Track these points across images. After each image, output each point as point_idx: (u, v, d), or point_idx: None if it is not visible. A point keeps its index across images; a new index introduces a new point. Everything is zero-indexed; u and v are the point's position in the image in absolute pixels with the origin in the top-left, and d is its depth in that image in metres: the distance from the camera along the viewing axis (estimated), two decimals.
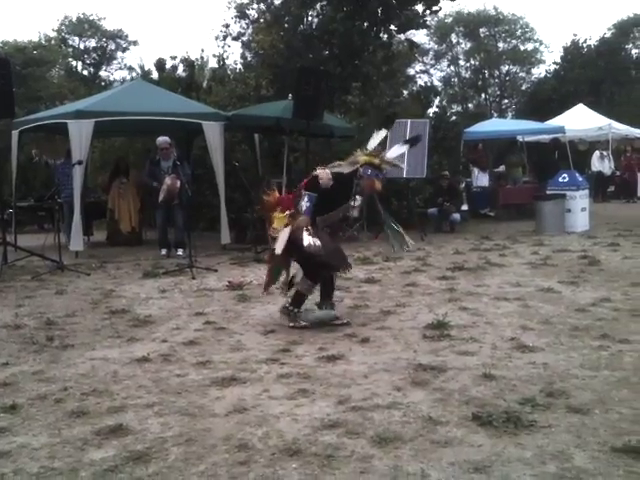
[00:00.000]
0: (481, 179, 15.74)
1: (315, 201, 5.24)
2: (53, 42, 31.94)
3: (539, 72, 35.58)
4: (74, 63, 34.79)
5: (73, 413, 3.55)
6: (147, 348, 4.82)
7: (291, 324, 5.36)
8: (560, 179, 11.95)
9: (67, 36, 34.53)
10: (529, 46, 37.37)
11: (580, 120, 19.14)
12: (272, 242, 5.60)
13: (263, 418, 3.43)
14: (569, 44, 30.42)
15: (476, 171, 15.88)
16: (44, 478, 2.85)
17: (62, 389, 3.97)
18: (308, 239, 5.12)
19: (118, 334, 5.29)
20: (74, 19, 34.28)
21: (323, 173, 5.24)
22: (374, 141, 5.52)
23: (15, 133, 11.13)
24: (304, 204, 5.25)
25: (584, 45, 29.90)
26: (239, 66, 18.66)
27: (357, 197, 5.35)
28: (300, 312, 5.42)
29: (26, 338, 5.18)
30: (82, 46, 35.24)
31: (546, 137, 17.16)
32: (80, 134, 9.60)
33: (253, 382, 4.02)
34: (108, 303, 6.51)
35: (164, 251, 10.01)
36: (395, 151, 5.67)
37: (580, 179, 12.23)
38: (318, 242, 5.12)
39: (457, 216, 12.36)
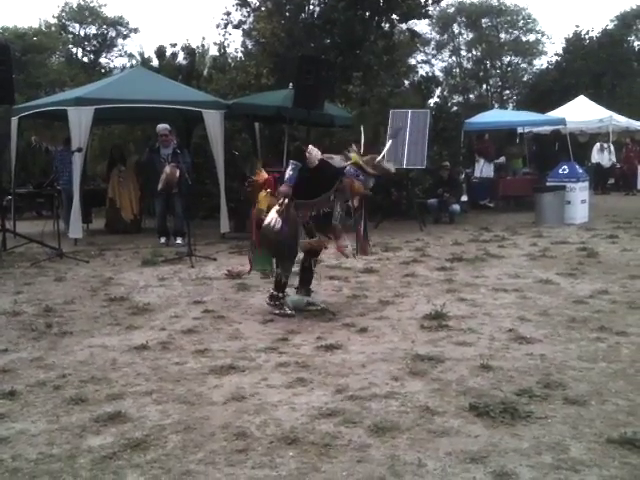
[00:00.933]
0: (486, 170, 15.66)
1: (298, 173, 5.20)
2: (53, 29, 31.77)
3: (541, 63, 35.52)
4: (74, 50, 34.61)
5: (72, 400, 3.56)
6: (146, 336, 4.83)
7: (276, 311, 5.43)
8: (560, 171, 11.93)
9: (67, 23, 34.32)
10: (531, 37, 37.29)
11: (581, 112, 19.10)
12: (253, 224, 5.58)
13: (261, 406, 3.44)
14: (571, 35, 30.33)
15: (482, 161, 15.80)
16: (42, 464, 2.86)
17: (61, 376, 3.98)
18: (271, 217, 5.16)
19: (117, 322, 5.30)
20: (74, 6, 34.10)
21: (314, 149, 5.27)
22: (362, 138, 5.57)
23: (15, 120, 11.10)
24: (287, 172, 5.25)
25: (586, 37, 29.78)
26: (240, 54, 18.61)
27: (334, 193, 5.35)
28: (285, 296, 5.51)
29: (25, 325, 5.19)
30: (82, 33, 35.07)
31: (547, 128, 17.13)
32: (80, 121, 9.58)
33: (251, 371, 4.03)
34: (107, 291, 6.51)
35: (163, 239, 10.01)
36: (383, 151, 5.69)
37: (580, 171, 12.21)
38: (279, 225, 5.14)
39: (457, 207, 12.35)
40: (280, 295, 5.49)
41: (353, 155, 5.36)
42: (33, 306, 5.86)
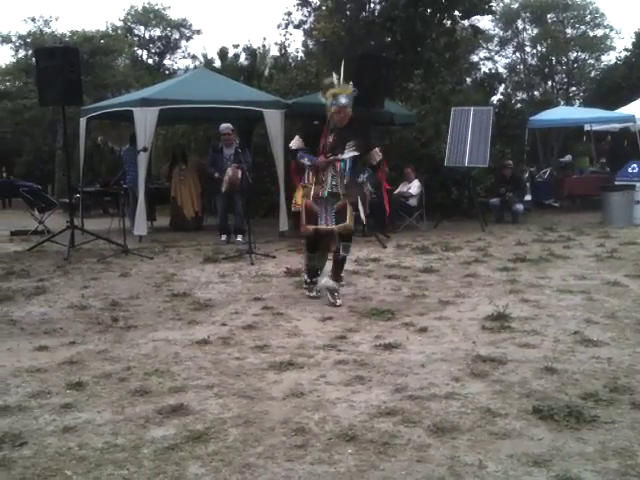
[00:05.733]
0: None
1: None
2: (119, 31, 32.58)
3: (609, 59, 34.29)
4: (139, 52, 35.46)
5: (136, 392, 3.65)
6: (207, 331, 4.91)
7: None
8: (629, 169, 11.55)
9: (133, 25, 35.14)
10: (599, 32, 36.03)
11: None
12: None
13: (320, 403, 3.45)
14: None
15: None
16: (107, 453, 2.94)
17: (126, 368, 4.08)
18: None
19: (179, 317, 5.41)
20: (140, 9, 34.90)
21: None
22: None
23: (83, 120, 11.47)
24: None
25: None
26: (300, 54, 18.75)
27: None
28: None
29: (92, 318, 5.35)
30: (147, 35, 35.85)
31: (616, 126, 16.57)
32: (145, 121, 9.82)
33: (310, 367, 4.04)
34: (170, 286, 6.65)
35: (224, 237, 10.17)
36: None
37: None
38: None
39: (520, 206, 12.10)
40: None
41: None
42: (99, 300, 6.03)
